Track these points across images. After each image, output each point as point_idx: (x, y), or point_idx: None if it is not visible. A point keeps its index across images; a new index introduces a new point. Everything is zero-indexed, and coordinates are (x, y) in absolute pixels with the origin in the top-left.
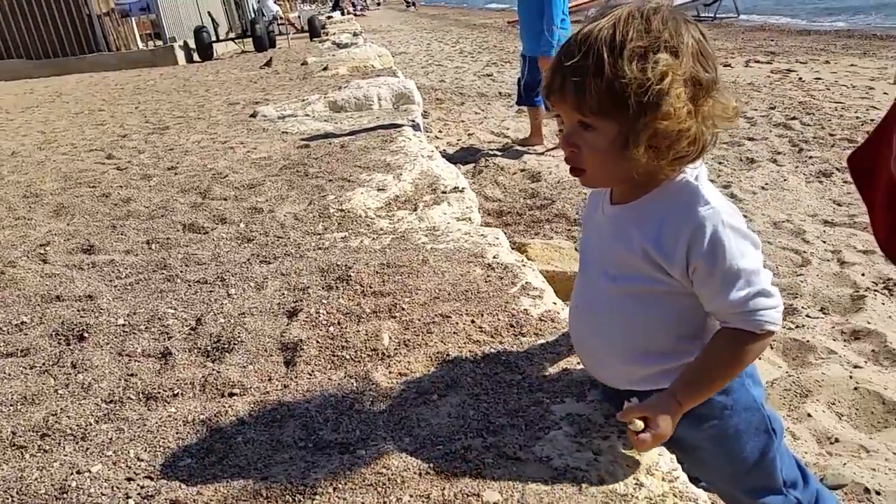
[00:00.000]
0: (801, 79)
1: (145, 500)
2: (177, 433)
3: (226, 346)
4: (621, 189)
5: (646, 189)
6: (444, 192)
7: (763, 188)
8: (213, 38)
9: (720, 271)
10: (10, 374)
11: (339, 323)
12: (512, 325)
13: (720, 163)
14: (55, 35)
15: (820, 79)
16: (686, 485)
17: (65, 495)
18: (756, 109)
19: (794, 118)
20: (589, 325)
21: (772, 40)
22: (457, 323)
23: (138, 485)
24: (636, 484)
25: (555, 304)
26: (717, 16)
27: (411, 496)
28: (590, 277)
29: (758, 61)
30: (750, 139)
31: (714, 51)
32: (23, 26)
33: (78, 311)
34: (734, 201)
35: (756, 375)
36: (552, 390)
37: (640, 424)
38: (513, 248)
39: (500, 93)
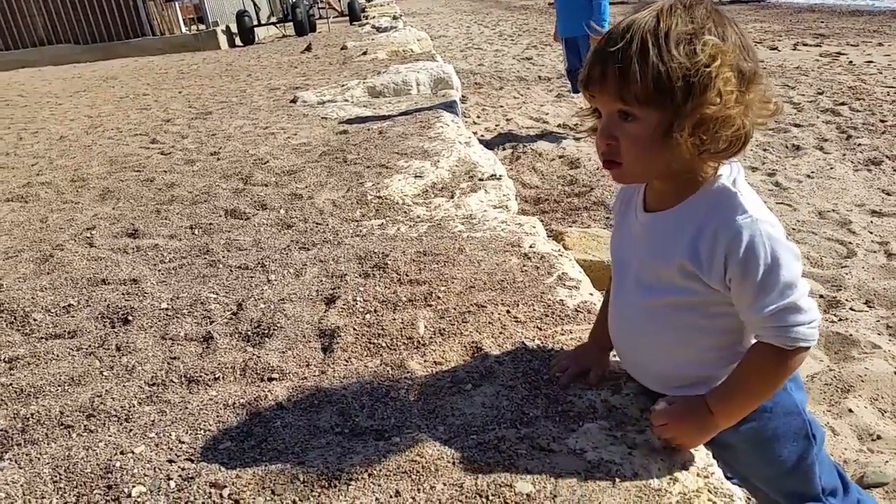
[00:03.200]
0: (851, 62)
1: (186, 482)
2: (217, 416)
3: (266, 331)
4: (656, 193)
5: (681, 194)
6: (481, 180)
7: (809, 176)
8: (255, 23)
9: (753, 282)
10: (57, 356)
11: (375, 311)
12: (547, 316)
13: (765, 150)
14: (102, 20)
15: (871, 62)
16: (721, 481)
17: (109, 475)
18: (803, 95)
19: (842, 104)
20: (626, 332)
21: (822, 21)
22: (492, 313)
23: (179, 466)
24: (670, 479)
25: (591, 294)
26: None
27: (445, 484)
28: (625, 284)
29: (806, 44)
30: (796, 125)
31: (755, 47)
32: (71, 11)
33: (123, 294)
34: (778, 190)
35: (799, 380)
36: (587, 381)
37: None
38: (549, 237)
39: (539, 77)
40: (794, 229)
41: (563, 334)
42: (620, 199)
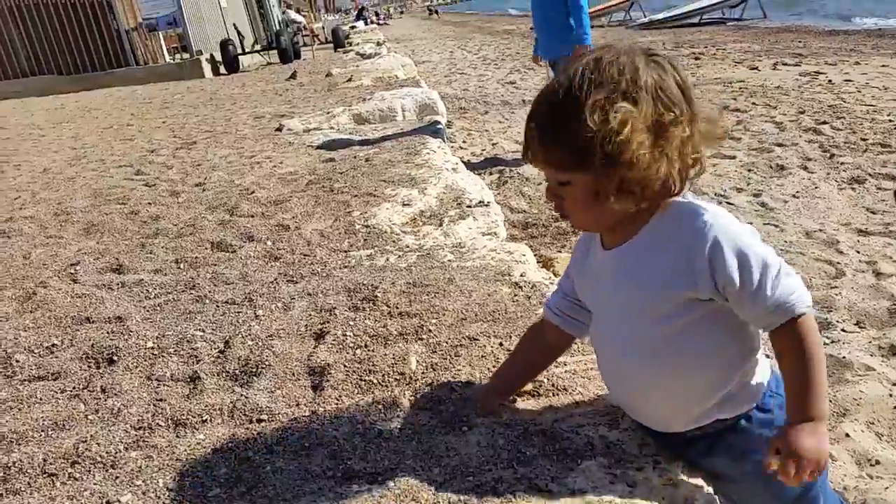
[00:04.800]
0: (830, 81)
1: None
2: (205, 461)
3: (254, 369)
4: (610, 231)
5: (635, 227)
6: (469, 206)
7: (794, 196)
8: (239, 51)
9: (749, 277)
10: (41, 399)
11: (366, 345)
12: None
13: (749, 170)
14: (85, 50)
15: (850, 80)
16: None
17: None
18: (785, 114)
19: (824, 122)
20: (631, 375)
21: (800, 41)
22: (484, 346)
23: None
24: None
25: None
26: (743, 17)
27: None
28: (612, 327)
29: (785, 63)
30: (779, 145)
31: (684, 81)
32: (53, 42)
33: (108, 333)
34: (764, 211)
35: None
36: (584, 416)
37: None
38: (539, 263)
39: (523, 100)
40: (782, 250)
41: (556, 366)
42: (577, 251)
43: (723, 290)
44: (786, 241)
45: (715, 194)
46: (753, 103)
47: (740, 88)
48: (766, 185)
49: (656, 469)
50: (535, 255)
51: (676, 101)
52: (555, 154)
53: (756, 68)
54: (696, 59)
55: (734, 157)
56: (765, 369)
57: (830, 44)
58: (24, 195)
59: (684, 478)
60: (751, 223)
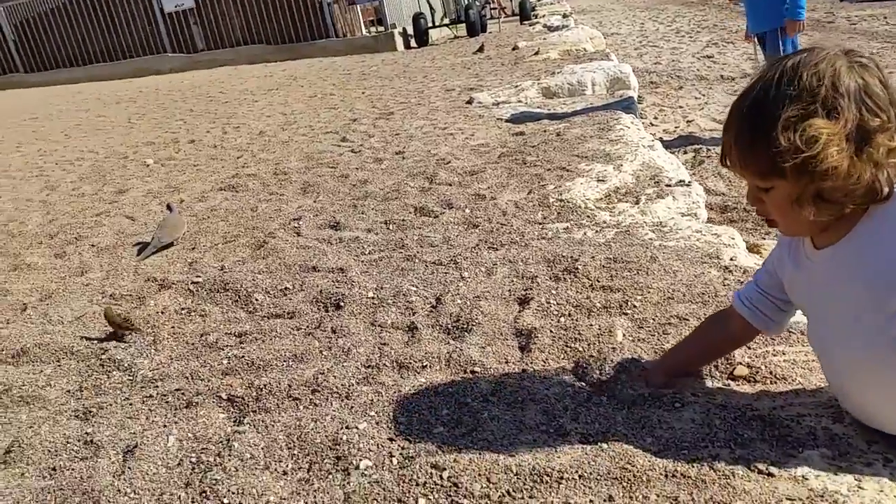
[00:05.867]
0: None
1: (407, 461)
2: (429, 402)
3: (464, 326)
4: (823, 233)
5: (849, 224)
6: (668, 185)
7: None
8: (430, 24)
9: None
10: (280, 334)
11: (570, 314)
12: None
13: None
14: (291, 22)
15: None
16: None
17: (337, 447)
18: None
19: None
20: (861, 376)
21: None
22: (694, 326)
23: (399, 445)
24: None
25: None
26: None
27: (658, 496)
28: (836, 328)
29: None
30: None
31: (889, 83)
32: (264, 13)
33: (333, 281)
34: None
35: None
36: (806, 406)
37: None
38: (747, 249)
39: (721, 76)
40: None
41: (774, 355)
42: (781, 258)
43: None
44: None
45: None
46: None
47: None
48: None
49: (887, 467)
50: None
51: (883, 106)
52: (751, 164)
53: None
54: None
55: None
56: None
57: None
58: (246, 155)
59: None
60: None
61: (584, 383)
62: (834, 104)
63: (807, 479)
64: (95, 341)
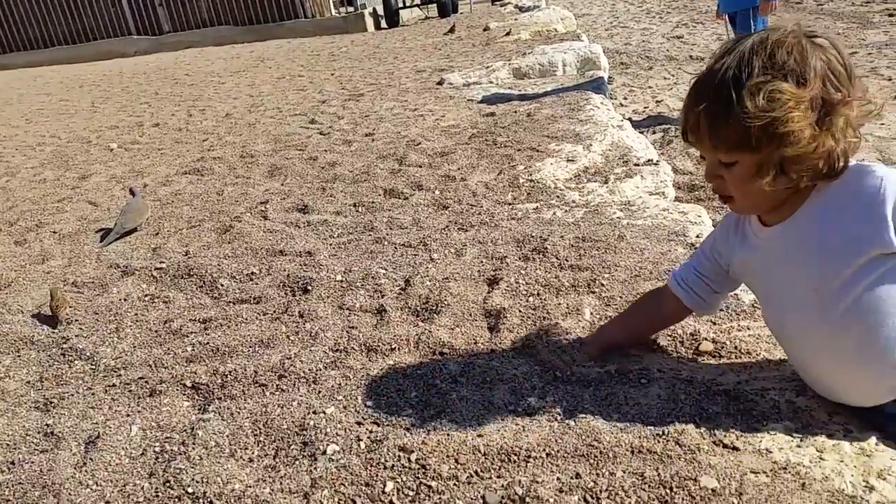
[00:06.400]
0: None
1: (375, 444)
2: (397, 384)
3: (433, 307)
4: (773, 210)
5: (799, 200)
6: (636, 165)
7: None
8: (400, 5)
9: None
10: (246, 319)
11: (538, 294)
12: (721, 311)
13: None
14: (258, 2)
15: None
16: None
17: (304, 432)
18: None
19: None
20: (823, 349)
21: None
22: None
23: (367, 429)
24: (866, 487)
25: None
26: None
27: (624, 472)
28: (794, 304)
29: None
30: None
31: (849, 61)
32: None
33: (300, 265)
34: None
35: None
36: (770, 380)
37: None
38: (713, 225)
39: (691, 56)
40: None
41: (739, 330)
42: (726, 241)
43: None
44: None
45: None
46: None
47: None
48: None
49: (847, 437)
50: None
51: (844, 82)
52: (722, 136)
53: None
54: (890, 15)
55: None
56: None
57: None
58: (212, 137)
59: (880, 448)
60: None
61: (548, 362)
62: (802, 74)
63: (770, 451)
64: (48, 329)
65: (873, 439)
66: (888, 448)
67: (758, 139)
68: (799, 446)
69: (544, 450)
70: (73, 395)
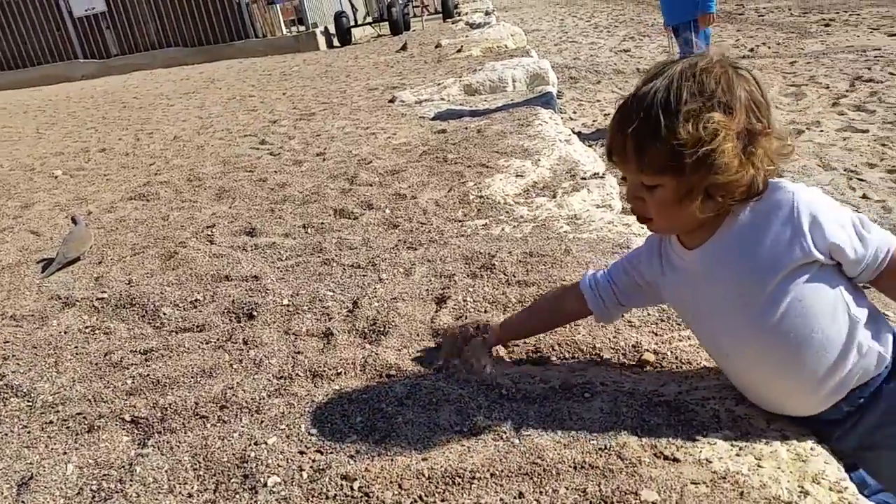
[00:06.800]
0: None
1: (317, 474)
2: (342, 410)
3: (381, 329)
4: (691, 233)
5: (716, 223)
6: (583, 178)
7: None
8: (352, 23)
9: (839, 238)
10: (188, 348)
11: (486, 311)
12: (663, 321)
13: (884, 145)
14: (208, 23)
15: None
16: (856, 496)
17: (245, 464)
18: None
19: None
20: (754, 364)
21: None
22: None
23: (310, 458)
24: (801, 492)
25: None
26: None
27: (567, 489)
28: (721, 323)
29: None
30: None
31: (767, 94)
32: (180, 15)
33: (246, 290)
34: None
35: None
36: (710, 389)
37: None
38: None
39: (637, 69)
40: None
41: (680, 340)
42: (649, 265)
43: (828, 253)
44: None
45: (845, 169)
46: (891, 73)
47: (876, 57)
48: None
49: (784, 444)
50: None
51: (764, 112)
52: (648, 160)
53: None
54: (826, 25)
55: (867, 131)
56: (885, 330)
57: None
58: (159, 161)
59: (815, 452)
60: (884, 201)
61: (497, 381)
62: (729, 104)
63: (710, 461)
64: None
65: (809, 443)
66: (823, 451)
67: (690, 166)
68: (738, 455)
69: (489, 470)
70: (7, 434)
